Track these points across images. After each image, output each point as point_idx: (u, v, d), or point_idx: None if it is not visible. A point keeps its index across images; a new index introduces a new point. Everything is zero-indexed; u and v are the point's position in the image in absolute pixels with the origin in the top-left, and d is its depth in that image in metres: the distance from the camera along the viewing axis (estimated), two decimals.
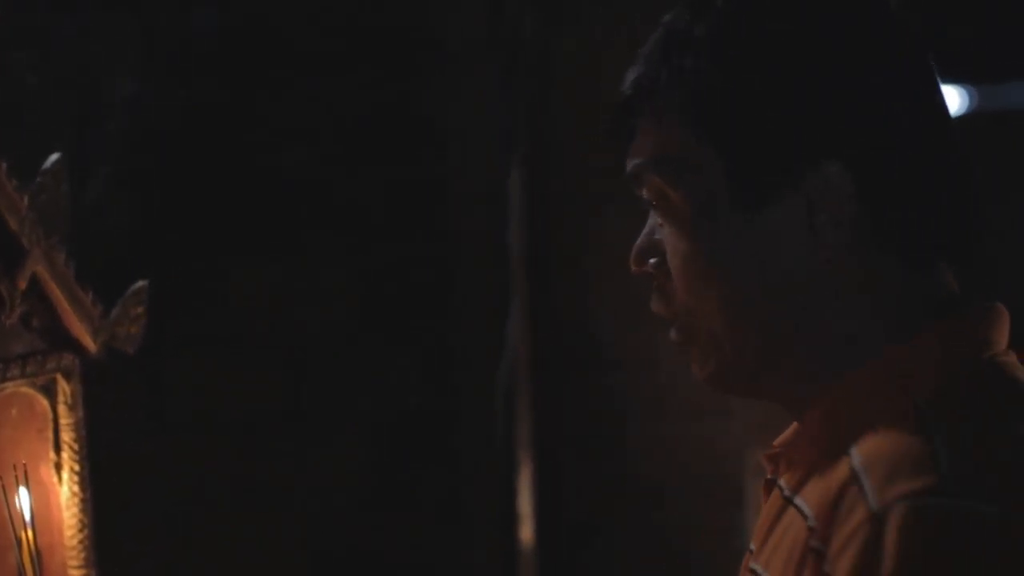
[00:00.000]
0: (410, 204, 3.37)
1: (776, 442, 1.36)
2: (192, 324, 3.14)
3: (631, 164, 1.34)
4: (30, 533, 1.72)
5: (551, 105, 3.41)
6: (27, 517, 1.72)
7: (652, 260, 1.34)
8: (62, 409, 1.83)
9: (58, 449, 1.84)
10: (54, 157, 1.80)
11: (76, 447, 1.83)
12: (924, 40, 1.32)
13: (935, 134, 1.30)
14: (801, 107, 1.27)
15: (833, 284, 1.28)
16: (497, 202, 3.40)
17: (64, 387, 1.83)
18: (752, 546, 1.37)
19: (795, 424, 1.36)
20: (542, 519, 3.40)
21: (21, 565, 1.71)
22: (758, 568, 1.32)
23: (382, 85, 3.32)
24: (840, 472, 1.22)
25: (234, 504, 3.19)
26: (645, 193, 1.34)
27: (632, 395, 3.39)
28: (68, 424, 1.83)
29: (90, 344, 1.84)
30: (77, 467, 1.83)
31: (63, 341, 1.83)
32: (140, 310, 1.87)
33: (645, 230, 1.35)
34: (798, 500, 1.28)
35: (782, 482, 1.33)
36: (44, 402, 1.83)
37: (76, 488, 1.83)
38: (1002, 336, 1.30)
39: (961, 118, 3.35)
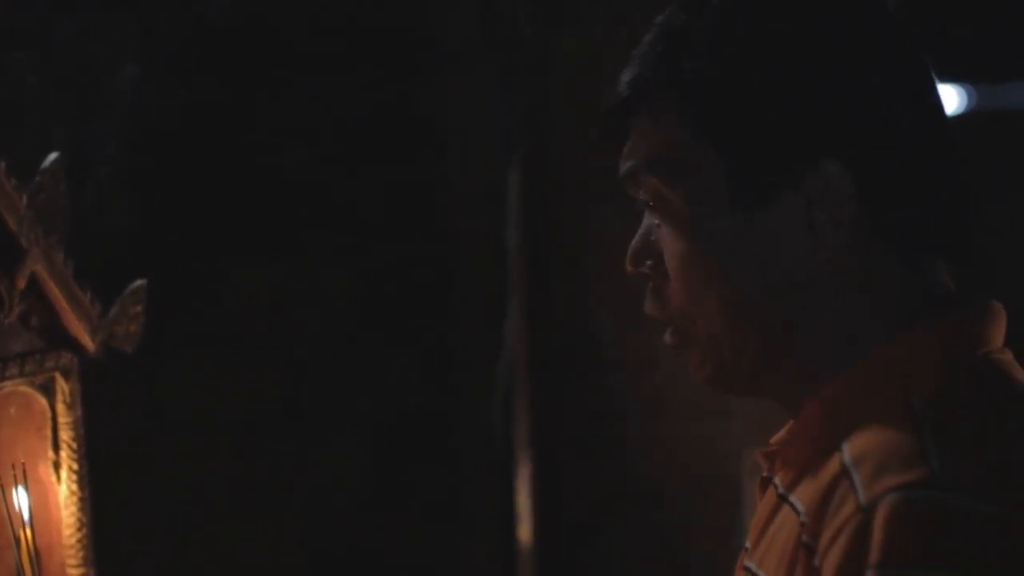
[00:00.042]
0: (410, 204, 3.37)
1: (773, 440, 1.36)
2: (192, 324, 3.14)
3: (627, 164, 1.33)
4: (29, 532, 1.72)
5: (551, 105, 3.40)
6: (26, 516, 1.72)
7: (648, 261, 1.34)
8: (61, 408, 1.83)
9: (57, 448, 1.84)
10: (53, 156, 1.80)
11: (75, 446, 1.84)
12: (921, 40, 1.32)
13: (934, 134, 1.30)
14: (801, 106, 1.27)
15: (833, 284, 1.28)
16: (497, 202, 3.40)
17: (63, 386, 1.83)
18: (747, 544, 1.37)
19: (790, 423, 1.36)
20: (542, 519, 3.40)
21: (20, 564, 1.71)
22: (752, 566, 1.32)
23: (382, 85, 3.32)
24: (831, 468, 1.23)
25: (234, 504, 3.19)
26: (642, 194, 1.33)
27: (632, 395, 3.39)
28: (67, 423, 1.83)
29: (89, 343, 1.84)
30: (76, 466, 1.84)
31: (62, 340, 1.83)
32: (138, 309, 1.87)
33: (640, 231, 1.35)
34: (792, 498, 1.28)
35: (776, 480, 1.34)
36: (43, 401, 1.83)
37: (75, 487, 1.84)
38: (998, 334, 1.30)
39: (960, 117, 3.35)
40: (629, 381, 3.38)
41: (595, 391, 3.42)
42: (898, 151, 1.28)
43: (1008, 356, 1.30)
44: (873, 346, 1.28)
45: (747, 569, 1.33)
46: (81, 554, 1.84)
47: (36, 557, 1.72)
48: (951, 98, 3.32)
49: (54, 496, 1.84)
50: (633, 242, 1.35)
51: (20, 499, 1.73)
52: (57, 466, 1.84)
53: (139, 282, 1.88)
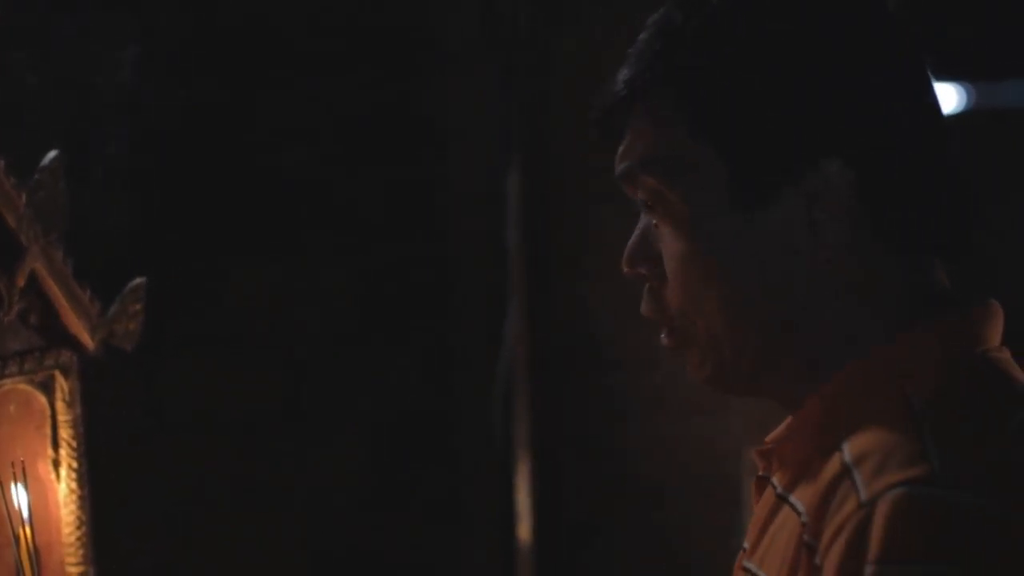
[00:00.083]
0: (410, 204, 3.37)
1: (768, 438, 1.36)
2: (192, 324, 3.14)
3: (623, 164, 1.33)
4: (28, 530, 1.72)
5: (551, 105, 3.41)
6: (25, 514, 1.72)
7: (645, 263, 1.33)
8: (60, 406, 1.83)
9: (56, 446, 1.84)
10: (52, 154, 1.80)
11: (74, 444, 1.83)
12: (920, 40, 1.32)
13: (932, 134, 1.30)
14: (801, 105, 1.26)
15: (832, 284, 1.28)
16: (496, 202, 3.40)
17: (62, 384, 1.83)
18: (745, 544, 1.37)
19: (787, 420, 1.36)
20: (541, 519, 3.40)
21: (19, 562, 1.71)
22: (752, 567, 1.32)
23: (382, 85, 3.32)
24: (831, 467, 1.22)
25: (234, 504, 3.19)
26: (639, 193, 1.33)
27: (631, 395, 3.39)
28: (66, 421, 1.83)
29: (88, 341, 1.84)
30: (75, 464, 1.83)
31: (61, 338, 1.83)
32: (138, 307, 1.87)
33: (637, 232, 1.35)
34: (792, 498, 1.28)
35: (775, 480, 1.33)
36: (42, 399, 1.83)
37: (74, 485, 1.83)
38: (996, 333, 1.30)
39: (959, 116, 3.34)
40: (629, 381, 3.38)
41: (595, 391, 3.42)
42: (898, 150, 1.28)
43: (1006, 355, 1.30)
44: (873, 346, 1.27)
45: (747, 570, 1.33)
46: (80, 552, 1.84)
47: (35, 555, 1.72)
48: (950, 96, 3.31)
49: (53, 494, 1.84)
50: (629, 243, 1.35)
51: (19, 497, 1.73)
52: (56, 464, 1.84)
53: (139, 280, 1.88)
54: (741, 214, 1.28)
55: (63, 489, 1.84)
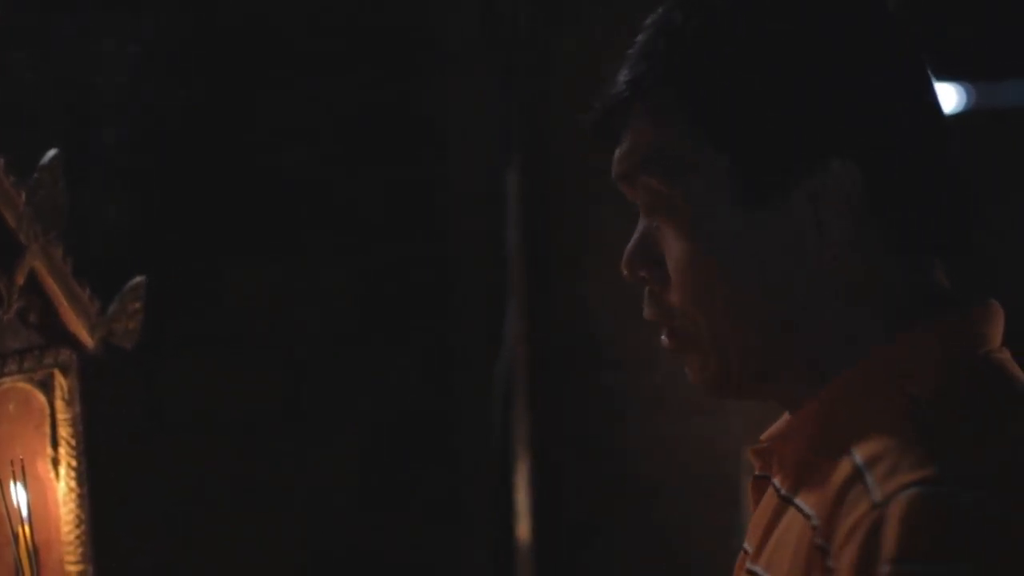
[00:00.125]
0: (410, 204, 3.37)
1: (763, 437, 1.36)
2: (191, 324, 3.14)
3: (623, 164, 1.32)
4: (27, 529, 1.72)
5: (551, 105, 3.40)
6: (24, 513, 1.72)
7: (645, 266, 1.32)
8: (59, 404, 1.83)
9: (55, 445, 1.84)
10: (51, 153, 1.80)
11: (73, 443, 1.83)
12: (919, 39, 1.32)
13: (933, 134, 1.30)
14: (804, 105, 1.26)
15: (833, 284, 1.28)
16: (496, 202, 3.40)
17: (61, 382, 1.83)
18: (747, 546, 1.36)
19: (783, 419, 1.36)
20: (541, 518, 3.40)
21: (18, 560, 1.71)
22: (758, 570, 1.31)
23: (382, 85, 3.32)
24: (842, 470, 1.22)
25: (233, 504, 3.19)
26: (640, 194, 1.32)
27: (631, 394, 3.39)
28: (65, 419, 1.83)
29: (88, 340, 1.84)
30: (74, 462, 1.84)
31: (60, 337, 1.83)
32: (138, 305, 1.87)
33: (636, 235, 1.34)
34: (798, 500, 1.27)
35: (776, 481, 1.33)
36: (41, 398, 1.83)
37: (73, 483, 1.83)
38: (997, 333, 1.30)
39: (959, 116, 3.34)
40: (629, 381, 3.38)
41: (595, 391, 3.42)
42: (900, 149, 1.28)
43: (1006, 355, 1.30)
44: (873, 346, 1.27)
45: (752, 572, 1.32)
46: (80, 551, 1.84)
47: (34, 553, 1.72)
48: (950, 96, 3.31)
49: (53, 493, 1.84)
50: (628, 247, 1.34)
51: (19, 496, 1.73)
52: (56, 463, 1.84)
53: (138, 278, 1.88)
54: (743, 214, 1.27)
55: (62, 487, 1.84)
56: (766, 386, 1.32)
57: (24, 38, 2.95)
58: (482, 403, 3.40)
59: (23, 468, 1.74)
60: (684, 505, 3.38)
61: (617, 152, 1.33)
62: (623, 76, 1.31)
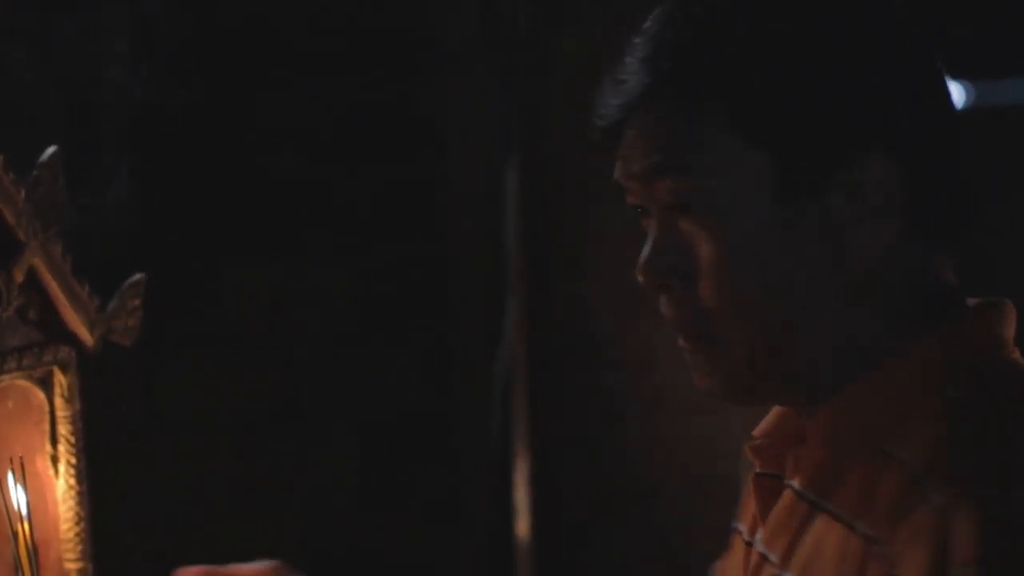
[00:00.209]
0: (410, 204, 3.37)
1: (757, 433, 1.35)
2: (191, 324, 3.14)
3: (641, 164, 1.28)
4: (26, 526, 1.72)
5: (551, 105, 3.40)
6: (23, 510, 1.72)
7: (663, 272, 1.29)
8: (59, 402, 1.83)
9: (55, 442, 1.83)
10: (50, 150, 1.80)
11: (73, 440, 1.83)
12: (931, 38, 1.32)
13: (957, 129, 1.30)
14: (843, 98, 1.24)
15: (869, 282, 1.26)
16: (496, 202, 3.39)
17: (61, 380, 1.83)
18: (765, 550, 1.34)
19: (773, 415, 1.34)
20: (540, 518, 3.40)
21: (17, 558, 1.71)
22: None
23: (382, 85, 3.32)
24: (891, 474, 1.21)
25: (233, 503, 3.19)
26: (661, 195, 1.28)
27: (631, 394, 3.39)
28: (65, 417, 1.83)
29: (87, 337, 1.84)
30: (74, 460, 1.83)
31: (60, 334, 1.83)
32: (137, 303, 1.87)
33: (651, 240, 1.30)
34: (831, 506, 1.26)
35: (796, 484, 1.31)
36: (41, 395, 1.83)
37: (72, 481, 1.83)
38: (1011, 333, 1.30)
39: (960, 114, 3.34)
40: (628, 380, 3.38)
41: (594, 390, 3.41)
42: (933, 145, 1.27)
43: (1019, 355, 1.30)
44: (902, 346, 1.26)
45: None
46: (79, 548, 1.84)
47: (34, 551, 1.72)
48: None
49: (52, 490, 1.83)
50: (645, 254, 1.30)
51: (18, 493, 1.73)
52: (55, 460, 1.83)
53: (138, 276, 1.88)
54: (778, 212, 1.25)
55: (61, 485, 1.84)
56: (785, 387, 1.30)
57: (23, 37, 2.95)
58: (482, 403, 3.39)
59: (22, 466, 1.73)
60: (684, 505, 3.37)
61: (632, 152, 1.29)
62: (635, 79, 1.28)
